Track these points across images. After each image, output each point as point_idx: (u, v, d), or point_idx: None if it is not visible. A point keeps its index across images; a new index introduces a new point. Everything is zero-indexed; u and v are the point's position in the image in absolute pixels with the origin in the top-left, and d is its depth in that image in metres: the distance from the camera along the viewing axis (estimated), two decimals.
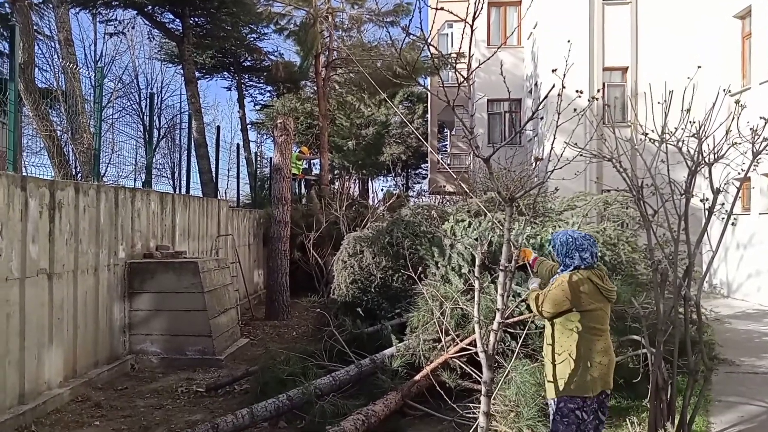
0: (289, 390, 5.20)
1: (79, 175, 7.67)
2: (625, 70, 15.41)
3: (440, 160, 22.78)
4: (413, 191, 30.39)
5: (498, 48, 4.80)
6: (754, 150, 5.14)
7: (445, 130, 29.55)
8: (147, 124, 10.83)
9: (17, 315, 5.12)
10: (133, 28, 16.62)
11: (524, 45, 18.87)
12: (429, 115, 25.32)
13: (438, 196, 21.34)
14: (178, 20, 13.28)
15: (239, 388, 6.20)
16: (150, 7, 12.81)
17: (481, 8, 3.91)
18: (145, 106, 20.23)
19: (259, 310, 11.14)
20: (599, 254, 3.49)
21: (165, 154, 19.47)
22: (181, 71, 14.81)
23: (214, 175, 12.13)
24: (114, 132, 9.28)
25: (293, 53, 19.80)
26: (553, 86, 3.55)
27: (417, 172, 32.87)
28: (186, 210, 9.05)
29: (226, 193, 14.37)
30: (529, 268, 4.35)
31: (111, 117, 13.60)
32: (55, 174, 7.15)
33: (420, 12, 3.63)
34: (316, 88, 17.19)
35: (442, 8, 3.93)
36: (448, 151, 26.48)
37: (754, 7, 12.26)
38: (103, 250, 6.56)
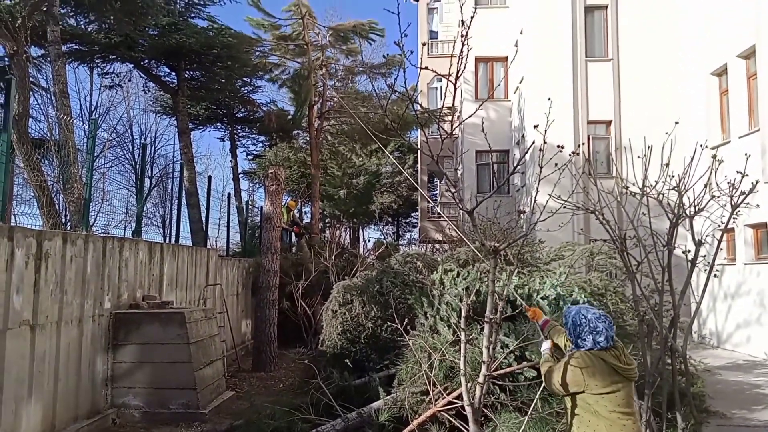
0: None
1: (69, 224, 7.68)
2: (608, 123, 15.84)
3: (435, 207, 22.95)
4: (404, 240, 30.46)
5: (483, 102, 4.96)
6: (733, 203, 5.29)
7: (435, 180, 29.95)
8: (139, 174, 10.91)
9: None
10: (129, 80, 16.98)
11: (511, 99, 19.40)
12: (419, 166, 25.69)
13: (428, 245, 21.42)
14: (173, 73, 13.62)
15: None
16: (146, 60, 13.16)
17: (464, 67, 4.08)
18: (138, 156, 20.42)
19: (246, 361, 10.95)
20: (614, 335, 3.26)
21: (156, 202, 19.51)
22: (175, 122, 15.07)
23: (204, 224, 12.16)
24: (105, 181, 9.34)
25: (287, 102, 20.30)
26: (533, 142, 3.68)
27: (407, 220, 33.05)
28: (175, 259, 9.03)
29: (216, 241, 14.35)
30: (539, 330, 4.04)
31: (103, 166, 13.68)
32: (43, 223, 7.15)
33: (404, 71, 3.79)
34: (309, 138, 17.49)
35: (426, 67, 4.10)
36: (438, 200, 26.73)
37: (729, 65, 12.78)
38: (88, 301, 6.50)
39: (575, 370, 3.14)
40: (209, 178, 12.17)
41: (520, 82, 17.55)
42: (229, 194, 14.01)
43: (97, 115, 20.76)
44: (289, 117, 17.68)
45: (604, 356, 3.15)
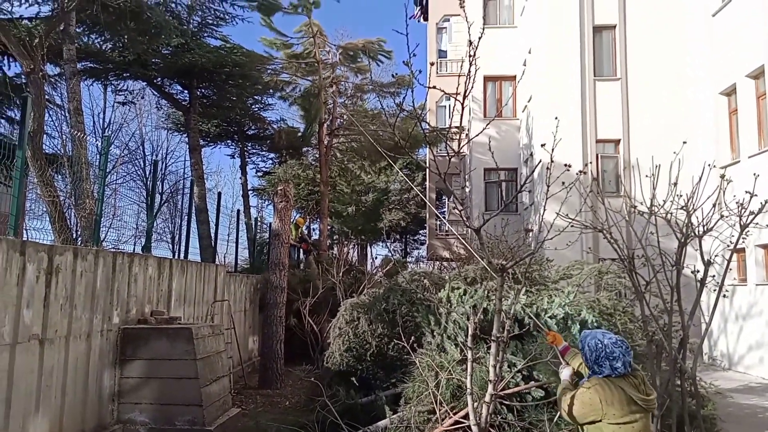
0: None
1: (79, 239, 7.76)
2: (617, 142, 15.84)
3: (443, 224, 22.93)
4: (411, 257, 30.40)
5: (490, 121, 5.00)
6: (741, 223, 5.26)
7: (443, 198, 30.00)
8: (150, 190, 11.03)
9: (5, 382, 5.05)
10: (142, 98, 17.24)
11: (519, 117, 19.47)
12: (427, 183, 25.76)
13: (436, 263, 21.36)
14: (185, 91, 13.82)
15: None
16: (159, 78, 13.36)
17: (472, 87, 4.12)
18: (149, 172, 20.63)
19: (252, 378, 10.93)
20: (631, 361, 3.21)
21: (166, 218, 19.69)
22: (187, 139, 15.25)
23: (213, 240, 12.23)
24: (116, 197, 9.46)
25: (297, 120, 20.50)
26: (540, 161, 3.70)
27: (415, 238, 33.02)
28: (183, 275, 9.07)
29: (224, 257, 14.42)
30: (559, 355, 3.89)
31: (115, 182, 13.87)
32: (55, 238, 7.24)
33: (413, 91, 3.84)
34: (318, 155, 17.61)
35: (434, 87, 4.15)
36: (446, 217, 26.73)
37: (738, 85, 12.78)
38: (97, 316, 6.54)
39: (594, 397, 3.06)
40: (219, 194, 12.27)
41: (529, 101, 17.62)
42: (238, 211, 14.11)
43: (110, 132, 21.06)
44: (299, 134, 17.84)
45: (622, 384, 3.07)
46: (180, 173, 22.65)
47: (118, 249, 8.32)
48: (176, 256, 11.50)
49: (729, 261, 5.51)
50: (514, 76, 19.33)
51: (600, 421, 3.05)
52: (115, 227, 8.76)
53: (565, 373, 3.51)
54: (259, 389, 10.04)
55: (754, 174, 5.66)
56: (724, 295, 6.07)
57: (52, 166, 7.53)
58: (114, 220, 8.72)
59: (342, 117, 17.48)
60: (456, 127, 7.94)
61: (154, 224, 10.73)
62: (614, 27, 16.09)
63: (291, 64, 16.58)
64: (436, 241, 23.80)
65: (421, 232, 31.32)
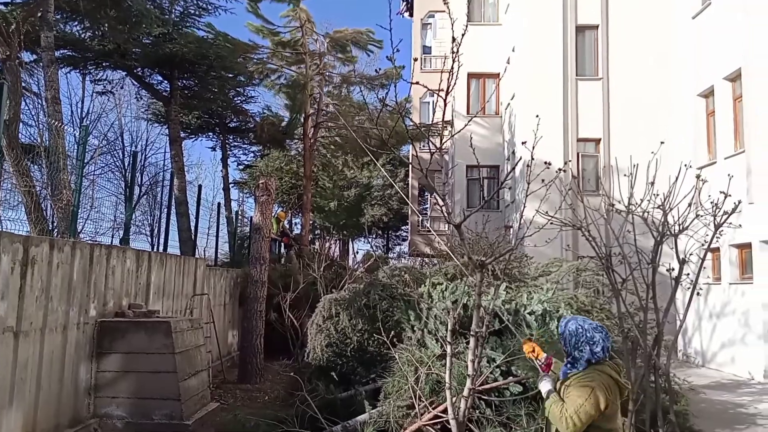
0: None
1: (56, 230, 7.63)
2: (598, 141, 16.02)
3: (425, 221, 23.00)
4: (393, 253, 30.47)
5: (472, 117, 5.02)
6: (716, 223, 5.37)
7: (426, 194, 30.09)
8: (129, 181, 10.88)
9: None
10: (121, 87, 16.97)
11: (502, 114, 19.59)
12: (410, 179, 25.80)
13: (417, 259, 21.43)
14: (166, 82, 13.63)
15: None
16: (139, 68, 13.16)
17: (455, 84, 4.14)
18: (128, 163, 20.35)
19: (231, 372, 10.87)
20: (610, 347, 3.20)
21: (145, 211, 19.42)
22: (167, 130, 15.06)
23: (193, 233, 12.12)
24: (94, 188, 9.30)
25: (281, 110, 20.28)
26: (520, 158, 3.74)
27: (397, 233, 33.09)
28: (162, 268, 8.98)
29: (204, 251, 14.30)
30: (539, 368, 3.50)
31: (93, 173, 13.64)
32: (30, 229, 7.11)
33: (396, 86, 3.84)
34: (302, 149, 17.45)
35: (417, 82, 4.16)
36: (429, 214, 26.82)
37: (716, 87, 13.00)
38: (73, 308, 6.44)
39: (602, 390, 2.98)
40: (199, 187, 12.16)
41: (512, 99, 17.73)
42: (219, 204, 13.99)
43: (88, 122, 20.71)
44: (283, 125, 17.64)
45: (606, 370, 3.08)
46: (160, 165, 22.38)
47: (96, 241, 8.20)
48: (155, 249, 11.38)
49: (703, 260, 5.62)
50: (498, 74, 19.42)
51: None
52: (93, 219, 8.64)
53: (545, 382, 3.29)
54: (239, 384, 9.99)
55: (729, 175, 5.77)
56: (698, 293, 6.19)
57: (28, 156, 7.39)
58: (92, 212, 8.60)
59: (327, 107, 17.31)
60: (442, 123, 7.94)
61: (133, 216, 10.59)
62: (597, 27, 16.26)
63: (277, 53, 16.32)
64: (418, 237, 23.88)
65: (403, 227, 31.39)
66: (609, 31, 16.15)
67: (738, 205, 5.40)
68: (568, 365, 3.22)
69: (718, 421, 7.48)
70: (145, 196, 19.84)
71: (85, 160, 7.37)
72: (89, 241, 7.49)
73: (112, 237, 10.70)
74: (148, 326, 7.08)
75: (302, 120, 16.53)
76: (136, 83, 14.49)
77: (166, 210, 10.82)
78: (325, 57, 16.98)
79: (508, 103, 18.42)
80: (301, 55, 16.15)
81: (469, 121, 4.49)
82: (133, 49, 12.26)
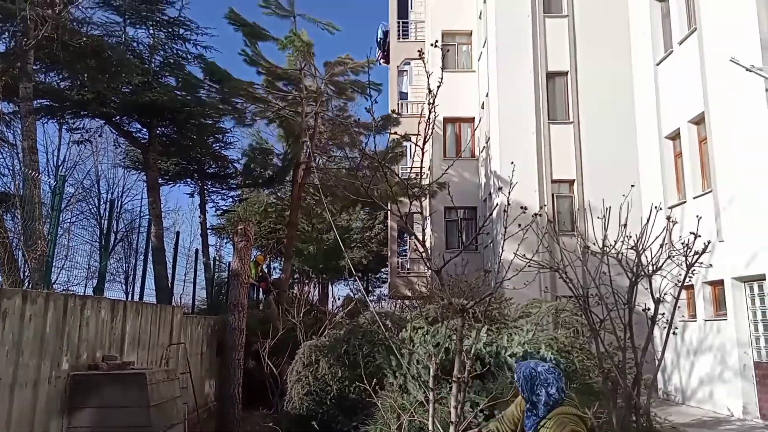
0: None
1: (29, 281, 7.47)
2: (572, 182, 16.40)
3: (405, 263, 22.98)
4: (373, 295, 30.25)
5: (451, 164, 5.15)
6: (687, 262, 5.52)
7: (405, 236, 30.18)
8: (104, 230, 10.78)
9: None
10: (99, 135, 16.94)
11: (478, 157, 19.99)
12: (389, 221, 25.92)
13: (398, 301, 21.31)
14: (145, 129, 13.66)
15: None
16: (118, 117, 13.19)
17: (431, 133, 4.27)
18: (104, 210, 20.11)
19: (208, 423, 10.55)
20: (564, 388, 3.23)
21: (120, 258, 19.09)
22: (145, 177, 14.99)
23: (170, 280, 11.93)
24: (69, 237, 9.17)
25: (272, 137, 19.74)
26: (497, 205, 3.84)
27: (377, 276, 32.94)
28: (138, 317, 8.79)
29: (181, 298, 14.06)
30: None
31: (68, 221, 13.45)
32: (3, 281, 6.95)
33: (375, 137, 3.94)
34: (291, 195, 17.09)
35: (395, 133, 4.27)
36: (408, 256, 26.85)
37: (682, 129, 13.52)
38: (45, 362, 6.25)
39: (578, 427, 3.01)
40: (177, 234, 12.06)
41: (487, 142, 18.14)
42: (196, 250, 13.85)
43: (64, 170, 20.52)
44: (271, 168, 17.27)
45: (569, 410, 3.10)
46: (136, 212, 22.14)
47: (70, 291, 8.03)
48: (131, 298, 11.14)
49: (677, 299, 5.74)
50: (473, 118, 19.92)
51: None
52: (67, 268, 8.48)
53: None
54: None
55: (697, 216, 5.96)
56: (674, 333, 6.29)
57: (2, 206, 7.29)
58: (66, 261, 8.44)
59: (316, 159, 17.05)
60: (416, 173, 8.05)
61: (108, 264, 10.41)
62: (566, 73, 16.88)
63: (271, 90, 15.96)
64: (398, 280, 23.81)
65: (383, 270, 31.30)
66: (578, 77, 16.77)
67: (707, 246, 5.57)
68: (529, 415, 3.22)
69: None
70: (120, 243, 19.56)
71: (61, 209, 7.29)
72: (63, 292, 7.34)
73: (86, 286, 10.49)
74: (122, 379, 6.88)
75: (293, 168, 16.27)
76: (114, 131, 14.47)
77: (142, 257, 10.67)
78: (323, 96, 16.34)
79: (484, 146, 18.83)
80: (299, 99, 15.63)
81: (447, 168, 4.61)
82: (112, 97, 12.32)
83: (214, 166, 17.32)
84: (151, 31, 13.38)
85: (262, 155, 17.58)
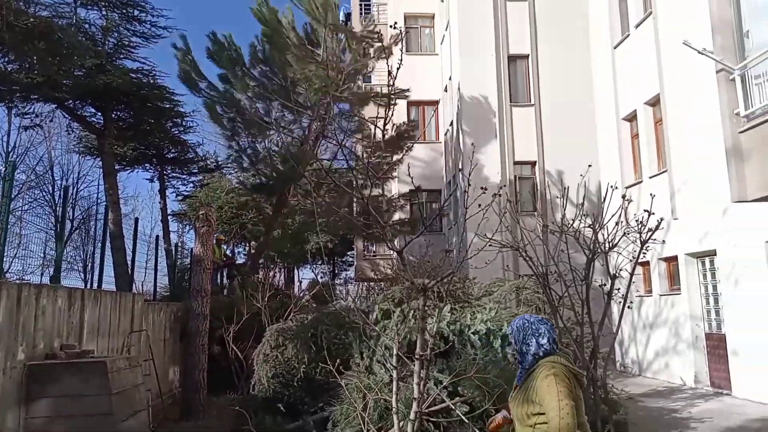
0: None
1: None
2: (533, 164, 16.68)
3: (370, 246, 23.02)
4: (340, 279, 30.28)
5: (408, 148, 5.16)
6: (642, 239, 5.71)
7: (371, 219, 30.18)
8: (59, 217, 10.46)
9: None
10: (51, 121, 16.29)
11: (442, 140, 20.10)
12: (354, 204, 25.89)
13: (364, 284, 21.38)
14: (99, 114, 13.21)
15: None
16: (71, 101, 12.71)
17: (392, 115, 4.27)
18: (59, 197, 19.47)
19: (173, 410, 10.45)
20: (557, 339, 3.18)
21: (77, 246, 18.59)
22: (100, 163, 14.54)
23: (130, 267, 11.67)
24: (22, 225, 8.85)
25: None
26: (456, 186, 3.88)
27: (344, 259, 32.94)
28: (97, 306, 8.60)
29: (142, 285, 13.79)
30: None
31: (20, 208, 12.97)
32: None
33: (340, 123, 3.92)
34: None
35: (359, 116, 4.26)
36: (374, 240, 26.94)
37: (639, 111, 13.87)
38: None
39: (561, 377, 2.89)
40: (136, 220, 11.77)
41: (450, 125, 18.25)
42: (157, 236, 13.58)
43: (15, 156, 19.75)
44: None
45: (559, 360, 3.01)
46: (93, 198, 21.54)
47: (24, 280, 7.78)
48: (89, 286, 10.88)
49: (632, 274, 5.94)
50: (437, 101, 19.99)
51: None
52: (20, 257, 8.21)
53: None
54: (181, 421, 9.62)
55: (651, 194, 6.15)
56: (629, 306, 6.51)
57: None
58: (19, 250, 8.17)
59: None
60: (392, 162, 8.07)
61: (65, 253, 10.12)
62: (527, 56, 17.06)
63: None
64: (364, 263, 23.89)
65: (349, 253, 31.31)
66: (539, 60, 16.98)
67: (660, 223, 5.77)
68: (520, 369, 3.17)
69: (654, 427, 7.82)
70: (77, 231, 19.01)
71: (12, 196, 7.03)
72: (17, 281, 7.11)
73: (42, 275, 10.19)
74: (82, 367, 6.74)
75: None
76: (67, 116, 13.95)
77: (100, 245, 10.40)
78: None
79: (447, 129, 18.94)
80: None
81: (406, 151, 4.62)
82: (64, 80, 11.85)
83: (173, 150, 16.90)
84: (104, 12, 12.88)
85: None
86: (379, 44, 11.68)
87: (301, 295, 14.42)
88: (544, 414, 2.87)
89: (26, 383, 6.53)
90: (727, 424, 8.07)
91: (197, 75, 14.41)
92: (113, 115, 13.22)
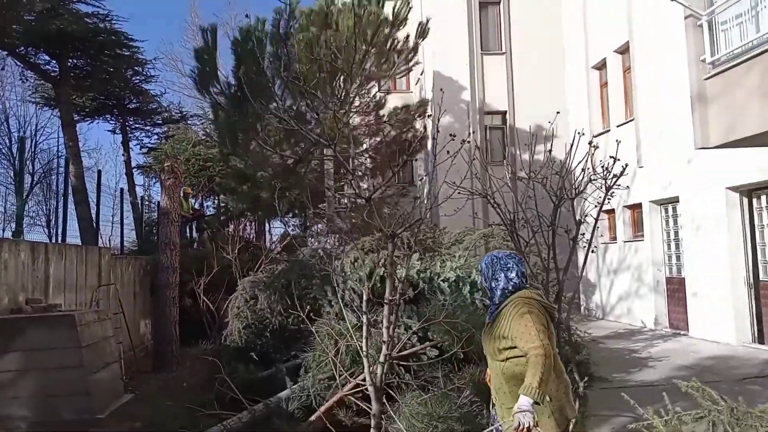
0: None
1: None
2: (503, 114, 16.66)
3: (340, 197, 22.93)
4: (311, 231, 30.25)
5: (376, 92, 5.07)
6: (606, 185, 5.81)
7: (342, 170, 29.99)
8: (18, 170, 10.10)
9: None
10: (2, 69, 15.47)
11: (413, 90, 19.84)
12: (324, 155, 25.62)
13: (336, 236, 21.43)
14: (54, 61, 12.58)
15: None
16: (22, 48, 12.05)
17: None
18: (17, 150, 18.72)
19: (146, 362, 10.49)
20: (526, 273, 3.20)
21: (39, 201, 18.03)
22: (59, 114, 13.97)
23: (95, 221, 11.43)
24: None
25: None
26: (423, 130, 3.85)
27: (315, 212, 32.85)
28: (62, 260, 8.44)
29: (110, 240, 13.55)
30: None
31: None
32: None
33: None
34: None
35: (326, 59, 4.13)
36: (345, 190, 26.85)
37: (608, 59, 13.86)
38: None
39: (537, 314, 2.91)
40: (99, 172, 11.45)
41: (421, 75, 17.99)
42: (122, 189, 13.26)
43: None
44: None
45: (528, 294, 3.04)
46: (53, 151, 20.75)
47: None
48: (53, 241, 10.62)
49: (597, 220, 6.07)
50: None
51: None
52: None
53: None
54: (154, 373, 9.68)
55: (617, 140, 6.22)
56: (593, 251, 6.68)
57: None
58: None
59: None
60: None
61: (26, 208, 9.83)
62: (498, 3, 16.76)
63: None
64: (335, 214, 23.86)
65: (320, 206, 31.18)
66: (510, 7, 16.70)
67: (625, 169, 5.87)
68: (495, 302, 3.15)
69: (615, 367, 8.18)
70: (38, 186, 18.41)
71: None
72: None
73: (3, 230, 9.91)
74: (50, 321, 6.65)
75: None
76: (18, 63, 13.26)
77: (62, 199, 10.12)
78: None
79: (418, 79, 18.67)
80: None
81: (374, 94, 4.53)
82: (13, 26, 11.19)
83: (135, 101, 16.31)
84: None
85: None
86: None
87: (272, 246, 14.39)
88: (515, 348, 2.92)
89: None
90: (682, 362, 8.49)
91: None
92: (69, 63, 12.63)
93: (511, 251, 3.28)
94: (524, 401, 2.70)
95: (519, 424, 2.67)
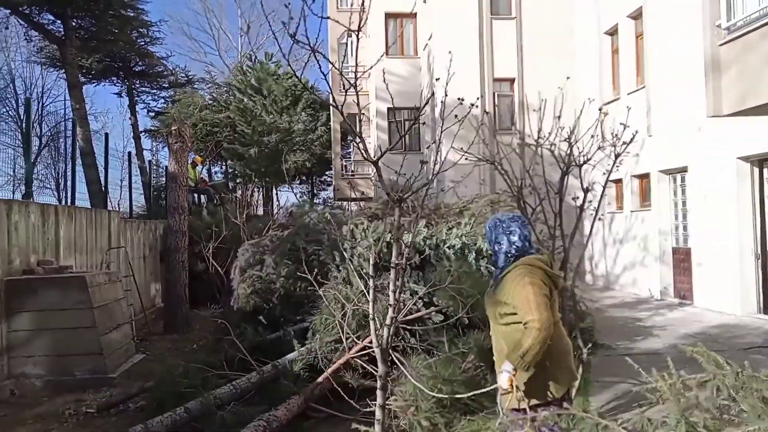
0: (188, 403, 5.08)
1: None
2: (512, 81, 16.40)
3: (348, 165, 22.93)
4: (319, 198, 30.29)
5: (383, 54, 5.00)
6: (616, 152, 5.76)
7: (349, 138, 29.83)
8: (25, 132, 10.12)
9: None
10: (6, 28, 15.35)
11: (420, 55, 19.54)
12: (332, 123, 25.46)
13: (343, 203, 21.49)
14: (59, 21, 12.46)
15: (134, 406, 5.95)
16: (26, 6, 11.92)
17: (366, 20, 4.08)
18: (24, 112, 18.72)
19: (156, 324, 10.69)
20: (530, 237, 3.11)
21: (48, 164, 18.15)
22: (64, 76, 13.90)
23: (103, 185, 11.50)
24: None
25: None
26: (432, 94, 3.80)
27: (322, 179, 32.81)
28: (72, 222, 8.53)
29: (119, 204, 13.66)
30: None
31: None
32: None
33: (305, 21, 3.72)
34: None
35: (328, 17, 4.07)
36: (352, 158, 26.72)
37: (620, 25, 13.56)
38: None
39: (539, 285, 2.87)
40: (106, 135, 11.46)
41: (429, 39, 17.68)
42: (129, 153, 13.29)
43: None
44: None
45: (530, 261, 2.99)
46: (60, 114, 20.77)
47: None
48: (63, 203, 10.71)
49: (604, 187, 6.03)
50: (416, 14, 19.22)
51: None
52: None
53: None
54: (165, 335, 9.87)
55: (627, 107, 6.13)
56: (600, 219, 6.67)
57: None
58: None
59: None
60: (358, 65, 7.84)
61: (35, 170, 9.88)
62: None
63: None
64: (342, 182, 23.86)
65: (327, 173, 31.14)
66: None
67: (635, 135, 5.80)
68: (500, 267, 3.11)
69: (619, 334, 8.26)
70: (47, 149, 18.50)
71: None
72: None
73: (13, 193, 9.99)
74: (61, 282, 6.78)
75: None
76: (23, 23, 13.13)
77: (71, 161, 10.16)
78: None
79: (426, 44, 18.37)
80: None
81: (381, 56, 4.47)
82: None
83: (140, 63, 16.19)
84: None
85: None
86: None
87: (279, 212, 14.46)
88: (516, 314, 2.93)
89: (5, 298, 6.57)
90: (686, 331, 8.56)
91: None
92: (73, 23, 12.49)
93: (515, 214, 3.18)
94: (507, 365, 2.83)
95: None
